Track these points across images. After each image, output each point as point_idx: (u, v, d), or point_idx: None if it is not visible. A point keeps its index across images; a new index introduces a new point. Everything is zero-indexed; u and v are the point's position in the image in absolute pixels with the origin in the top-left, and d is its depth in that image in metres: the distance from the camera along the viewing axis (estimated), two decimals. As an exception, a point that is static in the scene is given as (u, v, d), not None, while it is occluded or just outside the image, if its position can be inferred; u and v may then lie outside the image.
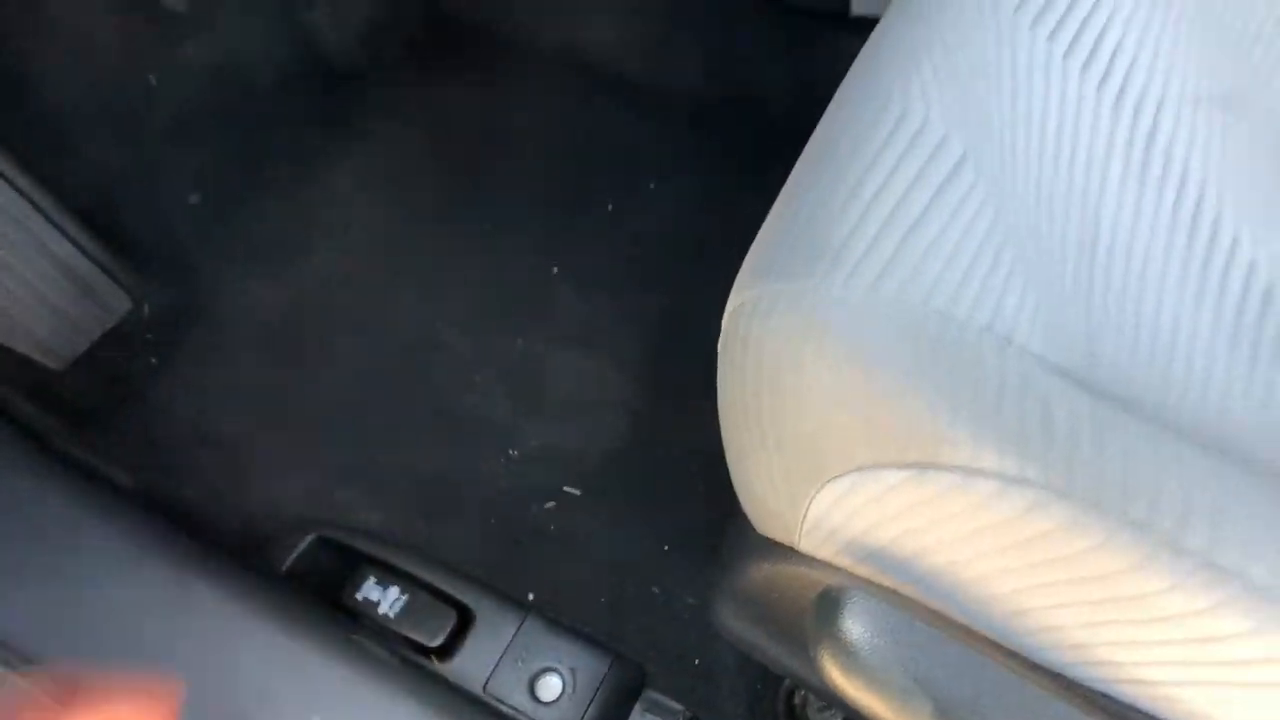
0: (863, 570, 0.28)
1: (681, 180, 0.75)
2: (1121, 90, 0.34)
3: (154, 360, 0.64)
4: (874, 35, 0.37)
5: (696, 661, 0.51)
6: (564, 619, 0.50)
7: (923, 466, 0.23)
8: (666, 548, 0.55)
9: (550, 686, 0.47)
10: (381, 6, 0.83)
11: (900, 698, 0.27)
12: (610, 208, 0.73)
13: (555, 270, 0.70)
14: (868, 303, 0.25)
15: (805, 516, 0.29)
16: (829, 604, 0.28)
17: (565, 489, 0.58)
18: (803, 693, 0.48)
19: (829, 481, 0.27)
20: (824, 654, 0.28)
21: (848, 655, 0.28)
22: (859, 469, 0.25)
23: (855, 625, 0.27)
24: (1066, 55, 0.34)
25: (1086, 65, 0.34)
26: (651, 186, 0.75)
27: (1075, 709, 0.25)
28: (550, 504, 0.58)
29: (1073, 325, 0.27)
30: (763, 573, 0.34)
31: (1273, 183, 0.34)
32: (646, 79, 0.79)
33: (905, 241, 0.26)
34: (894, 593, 0.27)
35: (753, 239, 0.33)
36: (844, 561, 0.29)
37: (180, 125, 0.75)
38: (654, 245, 0.72)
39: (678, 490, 0.54)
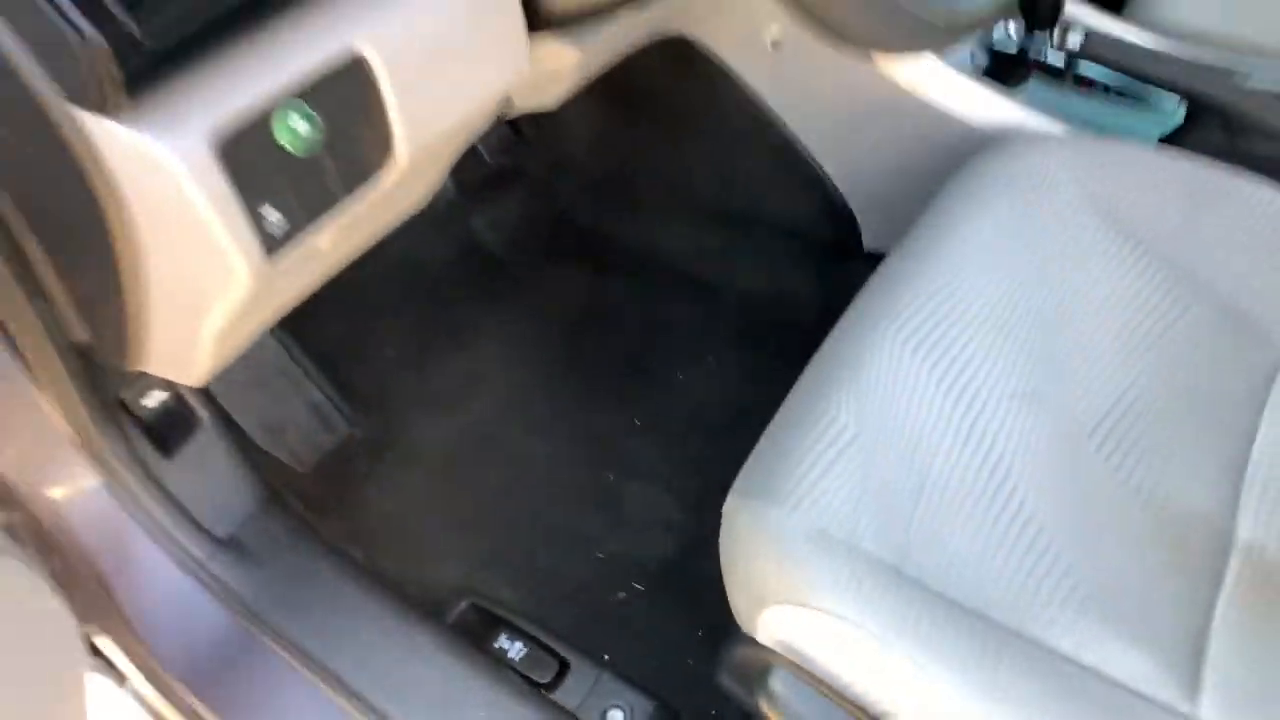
0: (784, 652, 0.54)
1: (735, 359, 1.02)
2: (961, 391, 0.60)
3: (364, 471, 0.94)
4: (830, 341, 0.64)
5: (713, 712, 0.76)
6: (626, 673, 0.76)
7: (802, 605, 0.49)
8: (700, 633, 0.80)
9: (615, 717, 0.72)
10: (524, 214, 1.14)
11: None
12: (680, 377, 1.01)
13: (637, 422, 0.98)
14: (786, 523, 0.51)
15: (758, 624, 0.54)
16: (766, 672, 0.53)
17: (633, 585, 0.85)
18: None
19: (767, 607, 0.53)
20: (762, 702, 0.54)
21: (773, 704, 0.53)
22: (778, 603, 0.51)
23: (778, 686, 0.53)
24: (931, 370, 0.60)
25: (943, 378, 0.60)
26: (711, 361, 1.03)
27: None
28: (622, 594, 0.84)
29: (897, 536, 0.52)
30: (744, 652, 0.59)
31: (1058, 461, 0.59)
32: (713, 279, 1.08)
33: (810, 490, 0.52)
34: (798, 668, 0.53)
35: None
36: (776, 648, 0.54)
37: (381, 299, 1.07)
38: (711, 407, 0.99)
39: (711, 593, 0.79)
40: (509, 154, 1.12)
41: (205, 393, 0.80)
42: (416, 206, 0.68)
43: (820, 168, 0.95)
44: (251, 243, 0.42)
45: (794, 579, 0.50)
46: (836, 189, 0.96)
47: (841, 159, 0.94)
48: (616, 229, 1.13)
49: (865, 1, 0.38)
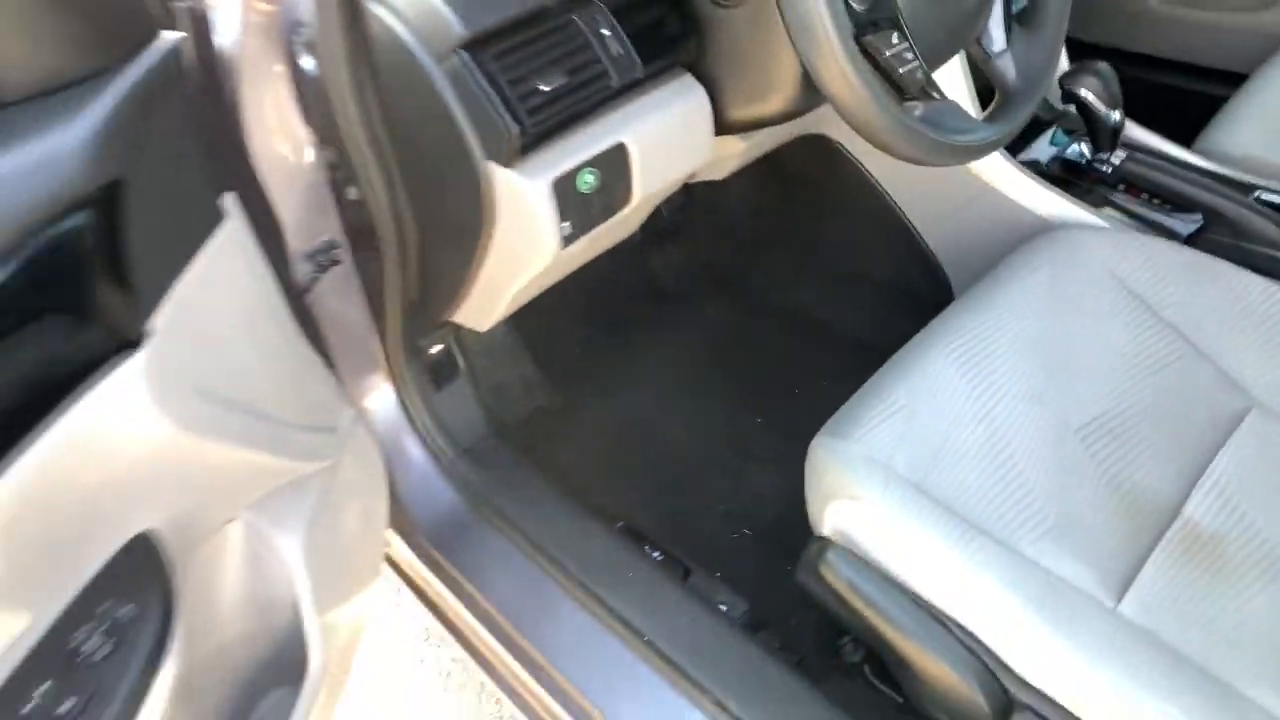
0: (837, 538, 0.82)
1: (844, 381, 1.30)
2: (984, 389, 0.86)
3: (551, 431, 1.28)
4: (902, 350, 0.92)
5: (792, 622, 1.03)
6: (732, 584, 1.05)
7: (851, 499, 0.78)
8: (789, 567, 1.08)
9: (722, 609, 1.01)
10: (689, 260, 1.48)
11: (855, 602, 0.80)
12: (797, 391, 1.30)
13: (759, 420, 1.27)
14: (847, 450, 0.80)
15: (824, 519, 0.83)
16: (824, 550, 0.81)
17: (744, 530, 1.13)
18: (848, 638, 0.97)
19: (829, 504, 0.81)
20: (820, 570, 0.81)
21: (829, 570, 0.81)
22: (836, 499, 0.80)
23: (830, 557, 0.81)
24: (964, 373, 0.87)
25: (972, 378, 0.87)
26: (824, 384, 1.31)
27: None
28: (734, 535, 1.13)
29: (922, 468, 0.80)
30: (812, 547, 0.87)
31: (1047, 442, 0.84)
32: (832, 321, 1.37)
33: (866, 433, 0.81)
34: (844, 548, 0.80)
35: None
36: (833, 536, 0.82)
37: (581, 310, 1.43)
38: (821, 415, 1.27)
39: (801, 543, 1.06)
40: (683, 213, 1.47)
41: (463, 353, 1.16)
42: (625, 235, 1.03)
43: (922, 238, 1.24)
44: (556, 238, 0.77)
45: (847, 481, 0.78)
46: (934, 255, 1.24)
47: (939, 232, 1.23)
48: (758, 278, 1.45)
49: (904, 135, 0.67)
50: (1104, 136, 1.12)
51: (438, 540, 1.07)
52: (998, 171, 1.14)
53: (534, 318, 1.37)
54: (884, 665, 0.89)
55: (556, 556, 0.99)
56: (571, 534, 1.02)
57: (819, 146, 1.24)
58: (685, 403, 1.32)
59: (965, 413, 0.85)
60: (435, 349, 1.11)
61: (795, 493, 1.18)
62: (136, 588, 0.58)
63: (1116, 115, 1.11)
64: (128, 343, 0.56)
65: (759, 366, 1.36)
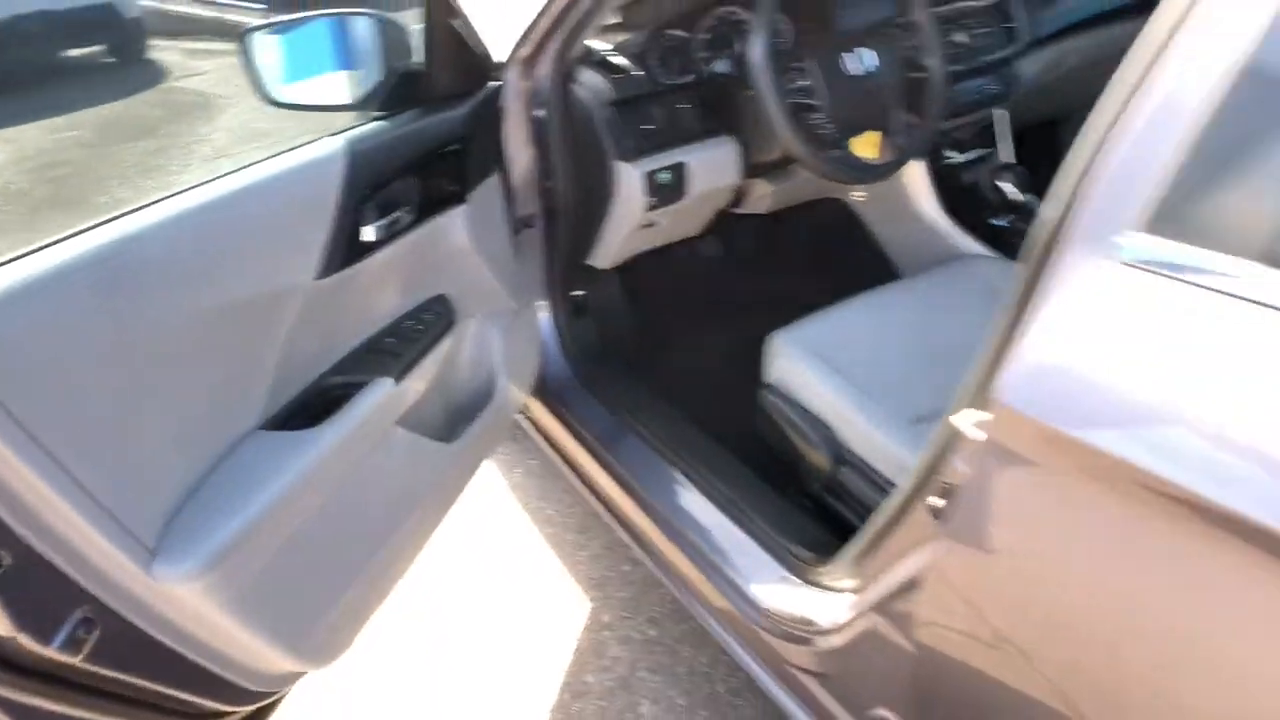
0: (773, 382, 1.47)
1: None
2: (876, 325, 1.50)
3: (647, 352, 1.98)
4: (823, 310, 1.59)
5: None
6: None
7: (780, 355, 1.44)
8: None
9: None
10: (757, 283, 2.19)
11: (773, 415, 1.45)
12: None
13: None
14: (788, 335, 1.47)
15: (770, 371, 1.48)
16: (764, 388, 1.46)
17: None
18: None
19: (773, 361, 1.47)
20: (762, 403, 1.46)
21: (765, 402, 1.46)
22: (776, 358, 1.46)
23: (769, 394, 1.45)
24: (869, 315, 1.52)
25: (870, 319, 1.51)
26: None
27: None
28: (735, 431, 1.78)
29: (827, 346, 1.45)
30: (761, 392, 1.51)
31: (910, 354, 1.46)
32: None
33: (798, 329, 1.47)
34: (775, 386, 1.45)
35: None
36: (773, 381, 1.47)
37: (669, 307, 2.15)
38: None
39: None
40: (759, 250, 2.19)
41: (592, 303, 1.89)
42: (692, 231, 1.76)
43: (896, 265, 1.90)
44: (644, 204, 1.51)
45: (781, 347, 1.44)
46: (899, 269, 1.89)
47: (906, 263, 1.88)
48: (796, 289, 2.13)
49: (823, 164, 1.37)
50: (1019, 211, 1.77)
51: (560, 398, 1.78)
52: (947, 229, 1.80)
53: (641, 299, 2.12)
54: (803, 491, 1.51)
55: (630, 413, 1.68)
56: (640, 402, 1.71)
57: (835, 205, 1.95)
58: (721, 355, 2.00)
59: (859, 330, 1.49)
60: (576, 294, 1.86)
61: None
62: (443, 311, 1.35)
63: (1024, 197, 1.76)
64: (461, 199, 1.35)
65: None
